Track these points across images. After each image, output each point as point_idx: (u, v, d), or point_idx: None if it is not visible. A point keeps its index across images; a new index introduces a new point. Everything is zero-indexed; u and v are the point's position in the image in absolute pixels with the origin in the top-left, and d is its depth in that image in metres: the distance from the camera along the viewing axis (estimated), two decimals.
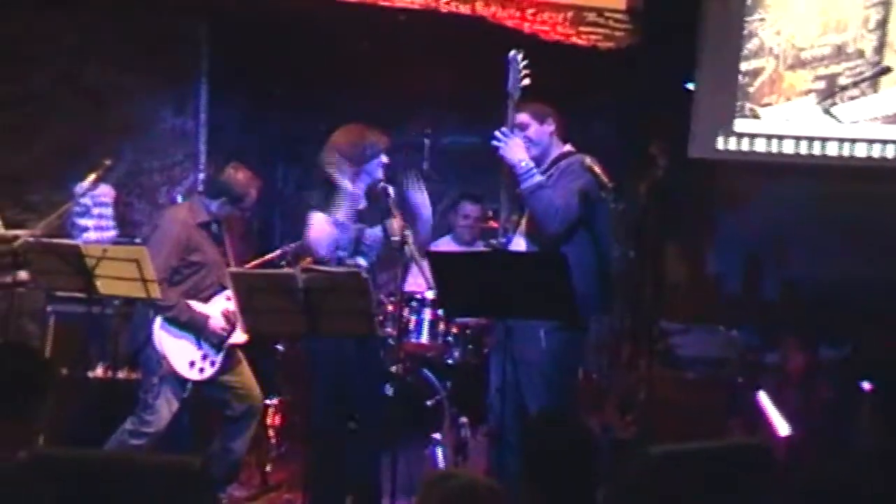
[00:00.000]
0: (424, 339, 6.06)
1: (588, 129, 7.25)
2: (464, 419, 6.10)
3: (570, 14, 6.83)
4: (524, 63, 4.77)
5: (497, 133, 4.76)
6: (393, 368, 6.12)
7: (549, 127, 4.92)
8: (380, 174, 5.13)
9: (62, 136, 6.71)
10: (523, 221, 4.89)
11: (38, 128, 6.74)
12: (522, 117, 4.87)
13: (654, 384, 6.57)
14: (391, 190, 5.05)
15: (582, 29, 6.83)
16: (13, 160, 6.70)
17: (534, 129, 4.88)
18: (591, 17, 6.87)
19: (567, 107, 6.98)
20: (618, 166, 7.11)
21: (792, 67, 7.08)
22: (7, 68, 6.68)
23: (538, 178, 4.76)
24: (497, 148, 4.76)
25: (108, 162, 5.33)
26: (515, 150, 4.75)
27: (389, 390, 5.60)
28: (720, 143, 7.18)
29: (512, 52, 4.78)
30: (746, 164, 7.24)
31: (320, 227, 5.07)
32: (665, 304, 7.26)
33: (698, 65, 7.14)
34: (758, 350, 6.97)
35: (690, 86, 7.23)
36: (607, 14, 6.91)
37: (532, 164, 4.77)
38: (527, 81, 4.78)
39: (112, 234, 6.36)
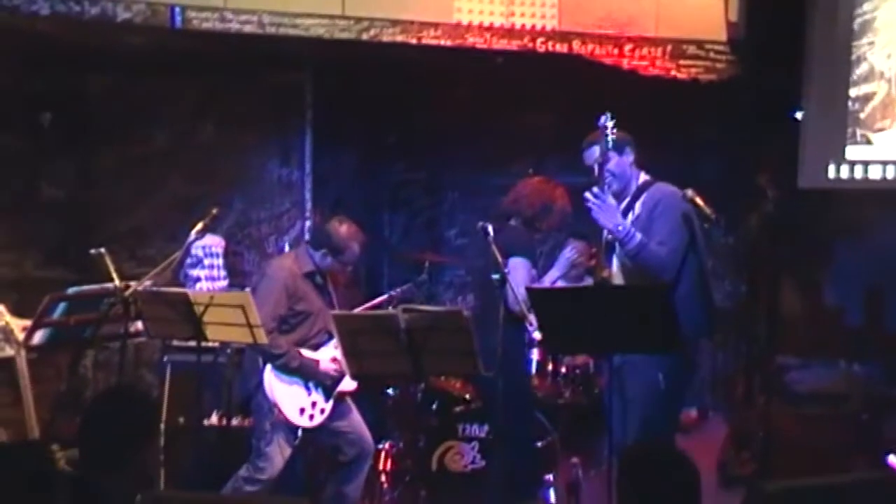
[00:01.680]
0: (533, 379, 6.03)
1: (695, 163, 7.19)
2: (575, 460, 6.03)
3: (669, 48, 6.78)
4: (612, 124, 4.69)
5: (588, 195, 4.65)
6: None
7: (629, 157, 4.84)
8: None
9: (177, 191, 6.92)
10: (614, 274, 4.81)
11: (156, 184, 6.98)
12: (600, 152, 4.74)
13: (773, 420, 6.40)
14: (490, 228, 5.06)
15: (682, 62, 6.78)
16: (132, 215, 6.94)
17: (614, 161, 4.77)
18: (692, 49, 6.81)
19: (672, 141, 7.00)
20: (727, 200, 7.06)
21: None
22: (132, 129, 6.94)
23: (639, 236, 4.64)
24: (590, 210, 4.67)
25: (214, 211, 5.46)
26: (610, 215, 4.63)
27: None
28: (832, 172, 7.00)
29: (602, 119, 4.70)
30: (862, 191, 7.04)
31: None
32: (781, 338, 7.09)
33: (805, 93, 7.00)
34: (882, 384, 6.74)
35: (798, 115, 7.09)
36: (708, 46, 6.84)
37: (629, 225, 4.65)
38: (613, 137, 4.68)
39: (223, 283, 6.50)
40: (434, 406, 6.28)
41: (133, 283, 5.21)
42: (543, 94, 7.04)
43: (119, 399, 3.47)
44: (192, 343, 5.20)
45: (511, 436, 5.49)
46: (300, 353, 5.46)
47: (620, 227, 4.63)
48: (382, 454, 6.25)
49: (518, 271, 5.23)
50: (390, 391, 6.45)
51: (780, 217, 6.99)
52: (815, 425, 6.51)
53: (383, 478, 6.26)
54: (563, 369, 6.15)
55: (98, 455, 3.27)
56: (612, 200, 4.65)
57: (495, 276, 4.94)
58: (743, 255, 7.34)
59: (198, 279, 6.48)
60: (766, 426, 6.43)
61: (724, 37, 6.85)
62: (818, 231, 7.25)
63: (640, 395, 4.63)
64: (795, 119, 7.09)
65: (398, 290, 6.46)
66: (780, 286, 7.20)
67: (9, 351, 5.50)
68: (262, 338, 5.04)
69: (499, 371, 5.52)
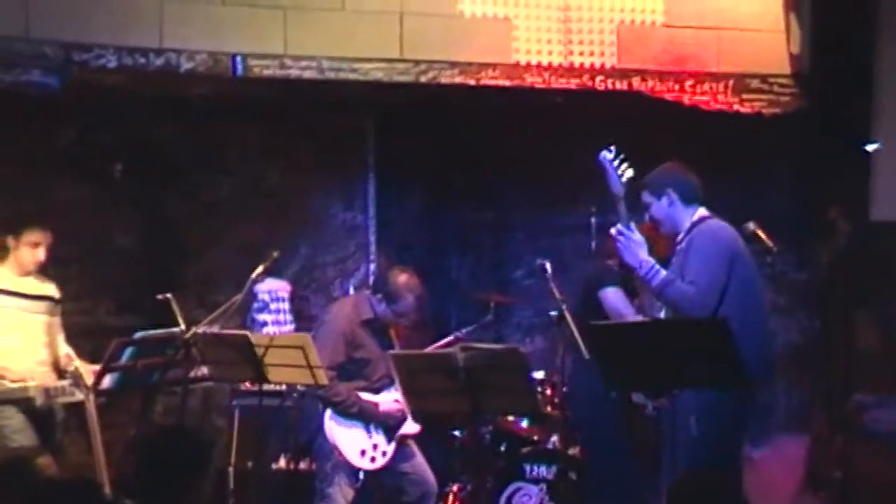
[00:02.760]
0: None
1: (762, 198, 7.08)
2: None
3: (731, 82, 6.71)
4: (619, 158, 4.64)
5: (612, 232, 4.64)
6: (571, 451, 6.07)
7: (669, 198, 4.73)
8: None
9: (244, 237, 7.02)
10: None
11: (223, 231, 7.09)
12: (644, 197, 4.75)
13: (852, 460, 6.23)
14: (548, 266, 5.05)
15: (745, 96, 6.69)
16: (201, 262, 7.06)
17: (654, 206, 4.74)
18: (755, 83, 6.72)
19: (738, 177, 6.92)
20: (797, 235, 6.94)
21: None
22: (199, 177, 7.09)
23: (662, 273, 4.58)
24: (617, 247, 4.64)
25: (275, 254, 5.54)
26: (633, 251, 4.59)
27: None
28: None
29: (602, 154, 4.66)
30: None
31: None
32: (858, 375, 6.90)
33: (876, 123, 6.86)
34: None
35: (870, 147, 6.95)
36: (771, 80, 6.75)
37: (651, 262, 4.59)
38: (630, 173, 4.64)
39: (289, 328, 6.57)
40: (502, 447, 6.24)
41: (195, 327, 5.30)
42: (604, 133, 7.01)
43: (172, 437, 3.52)
44: (262, 387, 5.25)
45: (594, 480, 5.45)
46: (359, 398, 5.48)
47: (644, 265, 4.57)
48: (451, 496, 6.22)
49: (615, 298, 5.20)
50: (457, 433, 6.42)
51: (853, 251, 6.83)
52: None
53: None
54: None
55: (151, 491, 3.31)
56: (637, 237, 4.58)
57: (553, 314, 4.92)
58: (815, 291, 7.19)
59: (265, 324, 6.56)
60: (844, 465, 6.26)
61: (787, 70, 6.76)
62: (893, 264, 7.07)
63: (681, 439, 4.51)
64: (867, 151, 6.95)
65: (464, 331, 6.46)
66: (854, 321, 7.02)
67: (79, 395, 5.61)
68: (323, 379, 5.07)
69: (562, 411, 5.50)
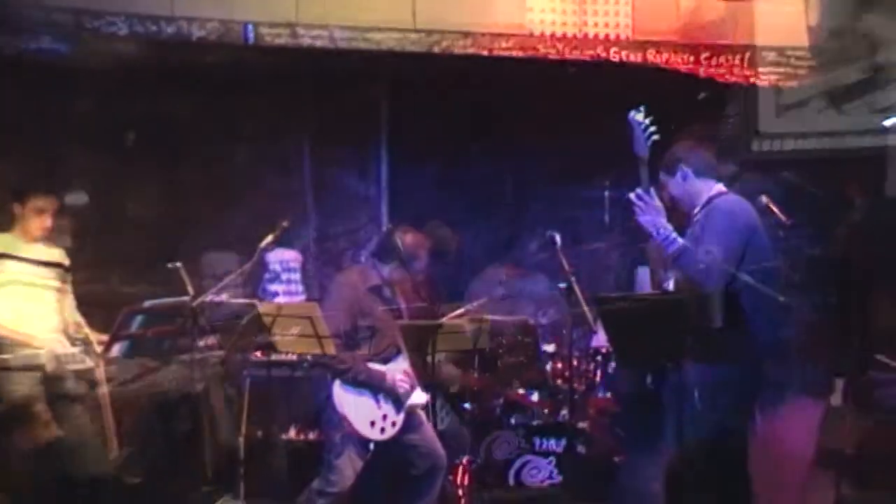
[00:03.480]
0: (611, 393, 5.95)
1: (778, 172, 7.02)
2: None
3: (747, 55, 6.64)
4: (648, 120, 4.58)
5: (632, 196, 4.57)
6: (581, 424, 6.07)
7: (683, 172, 4.69)
8: None
9: (257, 207, 7.01)
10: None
11: (236, 201, 7.09)
12: (661, 177, 4.70)
13: (865, 437, 6.19)
14: (558, 238, 5.01)
15: (761, 70, 6.62)
16: (214, 231, 7.06)
17: (670, 185, 4.70)
18: (771, 56, 6.65)
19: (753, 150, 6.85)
20: (813, 209, 6.88)
21: None
22: (212, 147, 7.10)
23: (679, 241, 4.53)
24: (635, 211, 4.61)
25: (284, 223, 5.53)
26: (651, 217, 4.53)
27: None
28: None
29: (632, 114, 4.60)
30: None
31: None
32: (874, 351, 6.84)
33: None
34: None
35: (888, 122, 6.88)
36: (789, 52, 6.67)
37: (670, 229, 4.54)
38: (655, 137, 4.58)
39: (301, 298, 6.57)
40: (512, 420, 6.24)
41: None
42: (618, 105, 6.96)
43: (166, 406, 3.52)
44: (273, 357, 5.26)
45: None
46: (366, 366, 5.46)
47: (661, 230, 4.51)
48: (460, 469, 6.22)
49: (647, 281, 5.20)
50: (468, 405, 6.41)
51: (870, 226, 6.78)
52: None
53: (461, 492, 6.22)
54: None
55: (147, 456, 3.32)
56: (657, 203, 4.54)
57: (562, 286, 4.90)
58: (831, 266, 7.13)
59: (276, 294, 6.56)
60: (857, 443, 6.22)
61: (805, 42, 6.68)
62: None
63: (684, 413, 4.46)
64: (884, 125, 6.88)
65: (475, 304, 6.43)
66: (870, 298, 6.97)
67: (89, 363, 5.62)
68: (331, 348, 5.06)
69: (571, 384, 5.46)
